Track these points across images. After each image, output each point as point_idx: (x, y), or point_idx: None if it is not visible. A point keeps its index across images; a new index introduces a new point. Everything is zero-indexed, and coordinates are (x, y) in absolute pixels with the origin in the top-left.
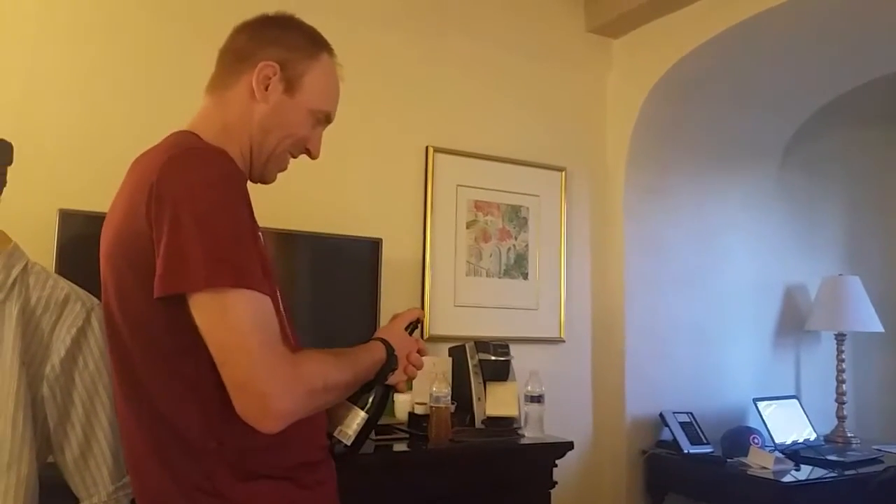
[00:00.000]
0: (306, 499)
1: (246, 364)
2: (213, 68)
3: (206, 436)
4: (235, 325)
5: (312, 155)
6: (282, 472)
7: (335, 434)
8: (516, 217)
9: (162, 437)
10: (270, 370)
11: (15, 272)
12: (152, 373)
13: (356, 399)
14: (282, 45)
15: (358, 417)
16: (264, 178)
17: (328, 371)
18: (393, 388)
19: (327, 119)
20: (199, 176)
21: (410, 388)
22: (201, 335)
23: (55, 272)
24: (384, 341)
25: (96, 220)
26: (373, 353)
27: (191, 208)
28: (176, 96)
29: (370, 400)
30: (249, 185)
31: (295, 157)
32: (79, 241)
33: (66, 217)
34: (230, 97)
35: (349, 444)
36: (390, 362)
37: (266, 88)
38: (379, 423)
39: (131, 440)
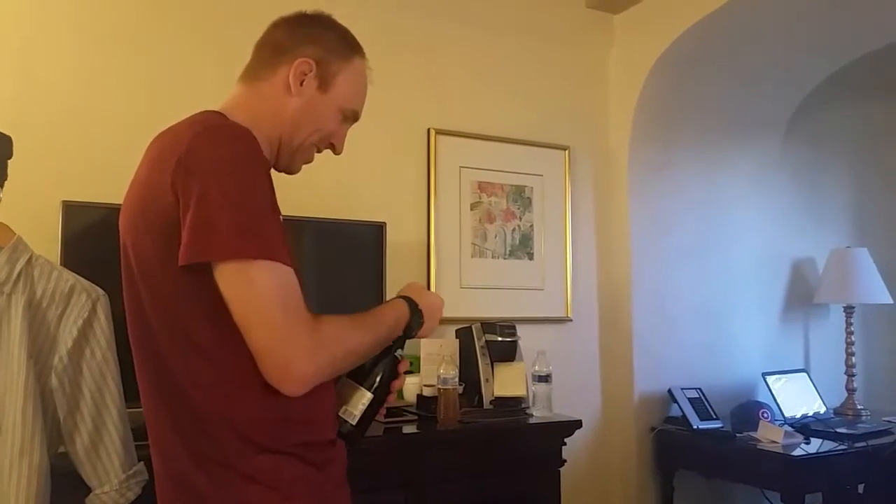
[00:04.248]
0: (313, 475)
1: (269, 331)
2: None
3: (218, 406)
4: (259, 294)
5: (336, 150)
6: (290, 447)
7: (340, 414)
8: (520, 197)
9: (178, 409)
10: (292, 337)
11: (19, 266)
12: (171, 344)
13: (364, 378)
14: (319, 44)
15: (363, 398)
16: (290, 169)
17: (347, 334)
18: (399, 360)
19: (354, 117)
20: (227, 151)
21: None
22: (220, 305)
23: (61, 264)
24: (406, 298)
25: (100, 210)
26: (395, 310)
27: (218, 182)
28: (176, 86)
29: (377, 380)
30: None
31: (320, 151)
32: (83, 232)
33: (70, 209)
34: (264, 88)
35: (354, 423)
36: (415, 317)
37: (301, 84)
38: (389, 406)
39: (152, 413)
